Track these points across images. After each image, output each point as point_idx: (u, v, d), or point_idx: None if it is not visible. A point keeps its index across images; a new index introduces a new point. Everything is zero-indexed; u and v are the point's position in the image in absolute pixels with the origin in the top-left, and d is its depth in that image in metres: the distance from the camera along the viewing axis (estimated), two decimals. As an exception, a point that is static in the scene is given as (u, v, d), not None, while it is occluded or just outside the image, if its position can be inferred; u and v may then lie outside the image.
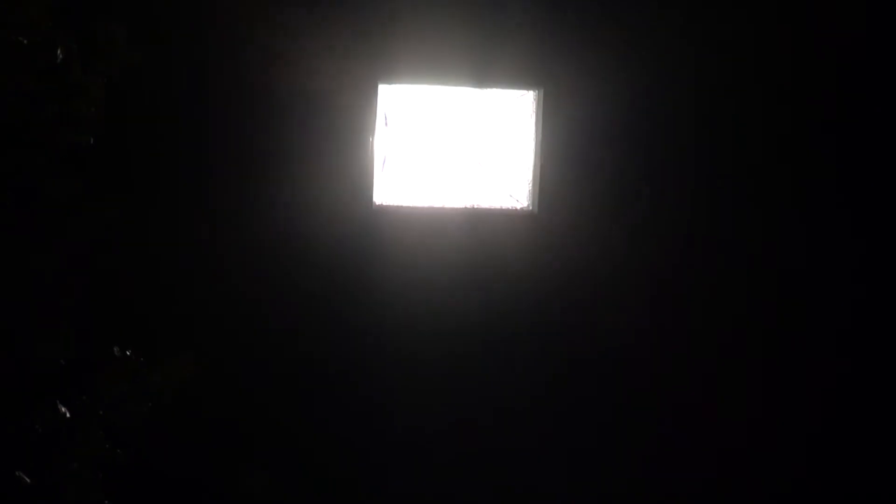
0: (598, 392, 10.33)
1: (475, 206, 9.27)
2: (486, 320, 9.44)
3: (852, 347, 11.13)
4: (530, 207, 9.15)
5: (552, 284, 9.07)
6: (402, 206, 8.81)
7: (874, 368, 11.11)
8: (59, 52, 5.39)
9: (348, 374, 8.80)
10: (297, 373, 8.38)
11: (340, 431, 8.71)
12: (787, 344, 10.94)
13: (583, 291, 9.39)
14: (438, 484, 9.82)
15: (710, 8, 10.05)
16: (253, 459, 5.70)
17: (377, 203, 8.61)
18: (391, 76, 8.46)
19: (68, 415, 5.39)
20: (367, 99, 8.31)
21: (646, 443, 10.52)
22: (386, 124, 8.92)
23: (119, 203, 5.32)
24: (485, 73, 8.59)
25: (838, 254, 10.71)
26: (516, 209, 9.18)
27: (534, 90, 8.88)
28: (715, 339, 10.43)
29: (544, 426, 10.52)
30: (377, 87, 8.41)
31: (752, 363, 10.79)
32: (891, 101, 10.83)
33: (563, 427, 10.50)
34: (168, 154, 7.29)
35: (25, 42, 5.27)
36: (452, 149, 9.35)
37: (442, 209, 9.24)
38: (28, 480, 5.32)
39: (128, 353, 5.43)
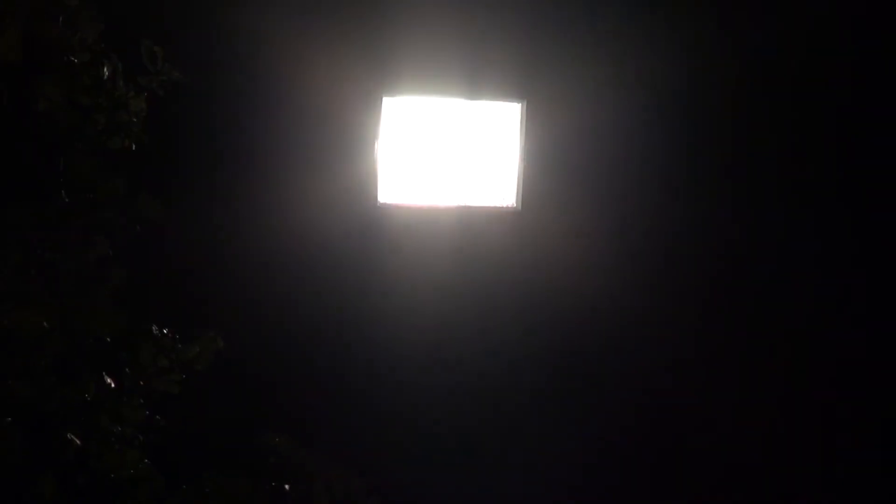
0: (583, 384, 10.91)
1: (467, 205, 10.12)
2: (474, 304, 10.22)
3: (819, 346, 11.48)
4: (515, 206, 10.01)
5: (535, 274, 9.88)
6: (403, 205, 9.70)
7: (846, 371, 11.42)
8: (105, 69, 6.18)
9: (351, 358, 9.59)
10: (305, 356, 9.22)
11: (344, 413, 9.52)
12: (775, 338, 11.31)
13: (564, 280, 10.16)
14: (433, 469, 10.44)
15: (686, 21, 10.72)
16: (271, 424, 6.55)
17: (381, 202, 9.51)
18: (395, 90, 9.42)
19: (113, 385, 6.21)
20: (374, 110, 9.27)
21: (633, 434, 11.02)
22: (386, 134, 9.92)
23: (155, 201, 6.09)
24: (475, 87, 9.51)
25: (818, 249, 11.11)
26: (503, 207, 10.04)
27: (519, 102, 9.77)
28: (700, 331, 10.94)
29: (531, 416, 11.09)
30: (382, 100, 9.39)
31: (740, 356, 11.24)
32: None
33: (550, 417, 11.08)
34: (195, 159, 8.13)
35: (77, 62, 6.06)
36: (447, 153, 10.18)
37: (438, 207, 10.09)
38: (78, 442, 6.12)
39: (164, 331, 6.26)
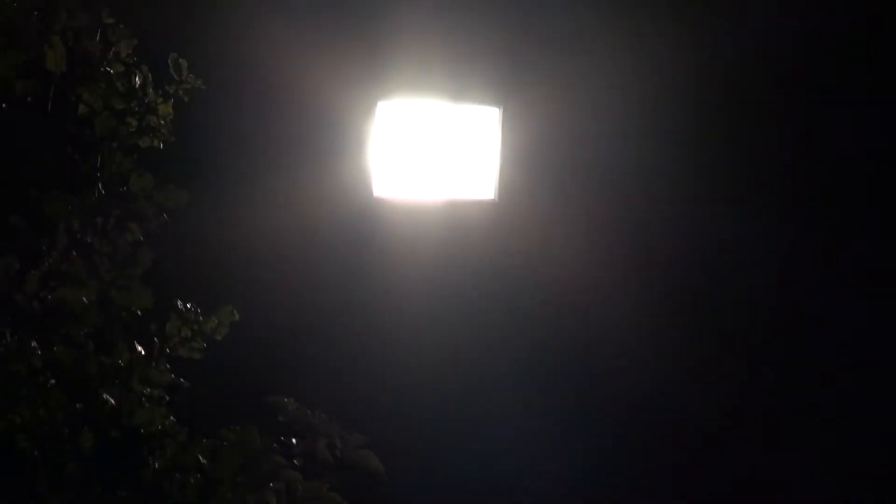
0: (563, 377, 11.48)
1: (452, 199, 10.99)
2: (455, 283, 11.02)
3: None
4: (494, 198, 10.88)
5: (511, 259, 10.70)
6: (396, 199, 10.61)
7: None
8: (137, 79, 7.09)
9: (347, 334, 10.43)
10: (308, 329, 10.09)
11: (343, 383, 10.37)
12: (759, 333, 11.61)
13: (539, 265, 10.87)
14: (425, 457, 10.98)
15: (656, 27, 11.32)
16: (280, 389, 7.43)
17: (377, 195, 10.44)
18: (388, 94, 10.38)
19: (143, 352, 7.09)
20: (368, 113, 10.23)
21: (615, 428, 11.48)
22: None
23: (180, 192, 6.99)
24: (458, 92, 10.42)
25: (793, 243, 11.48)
26: (483, 200, 10.90)
27: (497, 107, 10.66)
28: (681, 320, 11.40)
29: (511, 405, 11.62)
30: (376, 103, 10.36)
31: (721, 349, 11.63)
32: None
33: (529, 407, 11.61)
34: (210, 156, 9.05)
35: (112, 72, 6.97)
36: (435, 151, 11.06)
37: (427, 201, 10.96)
38: (113, 402, 7.00)
39: (188, 305, 7.16)
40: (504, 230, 10.52)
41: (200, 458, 6.87)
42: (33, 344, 6.81)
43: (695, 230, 11.05)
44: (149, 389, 6.94)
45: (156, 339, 6.91)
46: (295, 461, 6.99)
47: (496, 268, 10.73)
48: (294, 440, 7.07)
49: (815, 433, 11.11)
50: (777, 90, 11.27)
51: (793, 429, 11.22)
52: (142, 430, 6.86)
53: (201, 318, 6.89)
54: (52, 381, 6.82)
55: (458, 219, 10.76)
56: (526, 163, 10.65)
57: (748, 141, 11.18)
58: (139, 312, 6.90)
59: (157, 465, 6.84)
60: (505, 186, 10.66)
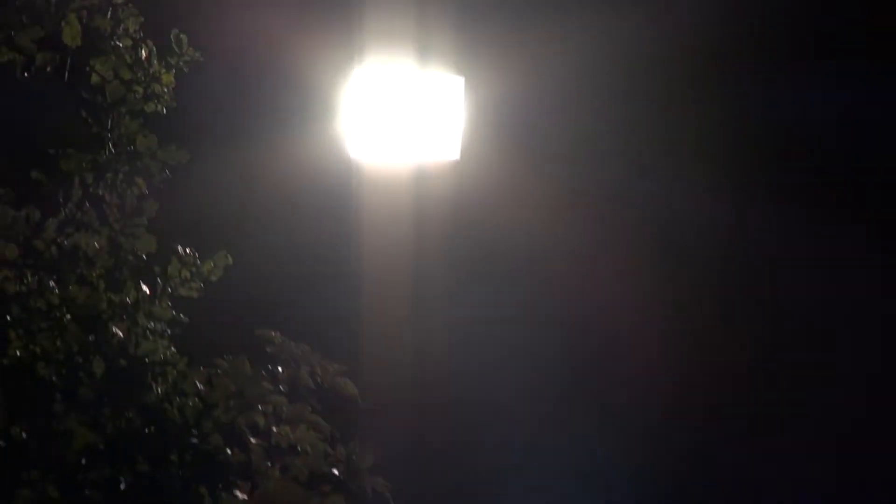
0: (523, 323, 11.93)
1: (421, 160, 11.72)
2: (426, 245, 11.71)
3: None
4: (457, 159, 11.59)
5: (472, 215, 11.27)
6: (368, 160, 11.35)
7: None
8: (143, 51, 7.94)
9: (327, 279, 11.13)
10: (293, 274, 10.84)
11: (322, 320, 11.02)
12: (732, 311, 11.88)
13: (497, 222, 11.38)
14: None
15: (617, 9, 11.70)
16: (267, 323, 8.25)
17: (354, 158, 11.20)
18: (362, 60, 11.10)
19: (148, 291, 7.96)
20: (341, 80, 10.97)
21: (570, 392, 11.85)
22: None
23: (180, 151, 7.86)
24: (426, 62, 11.17)
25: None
26: (448, 160, 11.62)
27: (460, 76, 11.39)
28: (633, 272, 11.79)
29: (478, 349, 12.01)
30: (349, 70, 11.11)
31: (667, 298, 12.01)
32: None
33: (494, 349, 12.01)
34: (202, 120, 9.82)
35: (121, 45, 7.83)
36: (403, 116, 11.74)
37: (399, 162, 11.68)
38: (121, 335, 7.86)
39: (187, 250, 8.04)
40: (466, 188, 11.09)
41: (198, 384, 7.62)
42: (51, 283, 7.60)
43: (645, 191, 11.52)
44: (153, 324, 7.69)
45: (159, 279, 7.66)
46: (280, 387, 7.72)
47: (459, 222, 11.36)
48: (280, 368, 7.92)
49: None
50: (729, 57, 11.67)
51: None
52: (146, 359, 7.59)
53: (199, 262, 7.79)
54: (68, 316, 7.58)
55: (424, 178, 11.33)
56: (487, 127, 11.21)
57: (702, 108, 11.60)
58: (144, 256, 7.68)
59: (159, 390, 7.57)
60: (467, 148, 11.26)
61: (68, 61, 7.61)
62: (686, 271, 11.85)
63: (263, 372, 7.93)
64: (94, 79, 7.65)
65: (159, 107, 7.70)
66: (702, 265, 11.93)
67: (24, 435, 7.58)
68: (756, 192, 11.98)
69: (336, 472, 7.83)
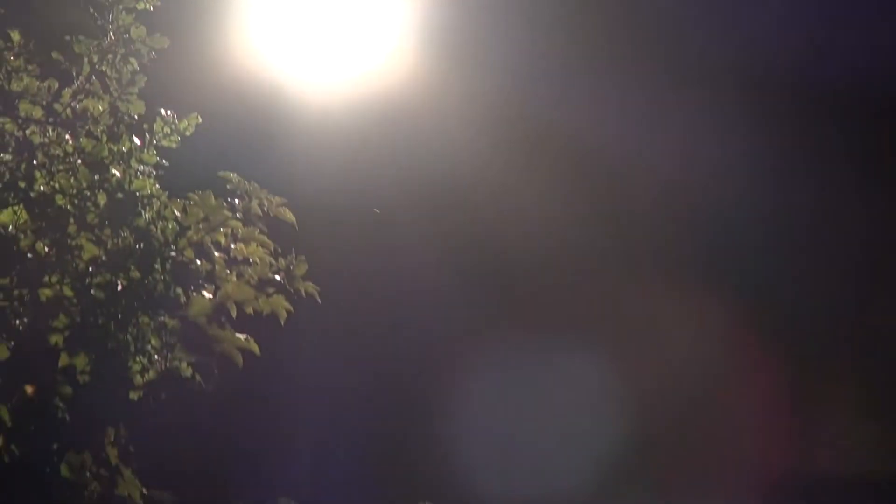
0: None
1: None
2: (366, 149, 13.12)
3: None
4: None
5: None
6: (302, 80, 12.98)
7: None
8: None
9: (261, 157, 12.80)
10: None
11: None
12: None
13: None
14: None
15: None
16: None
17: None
18: None
19: (139, 142, 10.00)
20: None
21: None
22: None
23: (162, 37, 10.05)
24: None
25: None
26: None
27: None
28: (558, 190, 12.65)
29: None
30: None
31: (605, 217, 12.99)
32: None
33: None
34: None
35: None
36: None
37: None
38: (118, 174, 10.00)
39: (168, 112, 10.26)
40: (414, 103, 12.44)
41: (175, 211, 9.54)
42: (66, 136, 9.56)
43: (582, 99, 12.64)
44: (142, 167, 9.57)
45: (147, 134, 9.59)
46: (237, 214, 9.84)
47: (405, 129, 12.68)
48: (236, 201, 10.05)
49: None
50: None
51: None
52: (137, 193, 9.45)
53: (177, 121, 10.02)
54: (79, 161, 9.49)
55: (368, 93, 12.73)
56: (436, 45, 12.57)
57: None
58: (136, 116, 9.60)
59: (147, 216, 9.45)
60: (416, 64, 12.56)
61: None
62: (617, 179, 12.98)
63: (224, 203, 9.92)
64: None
65: (148, 5, 9.89)
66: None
67: (46, 249, 9.54)
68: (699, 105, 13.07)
69: (278, 277, 9.99)
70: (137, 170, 9.65)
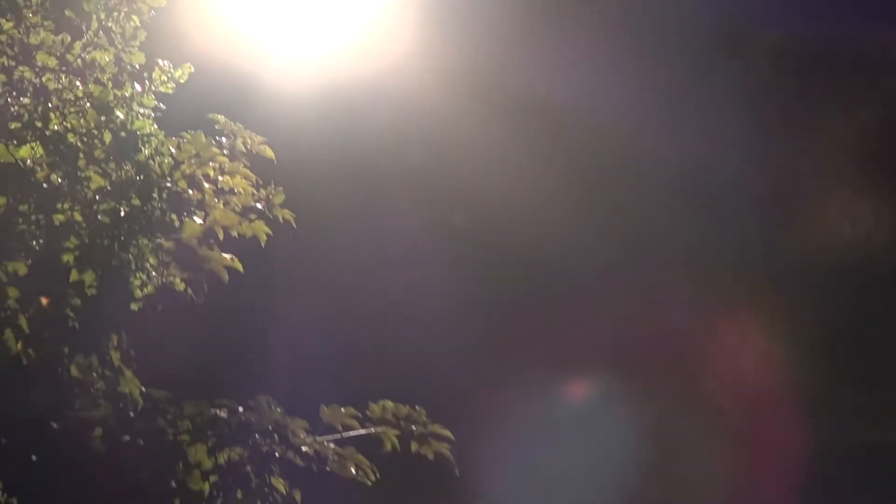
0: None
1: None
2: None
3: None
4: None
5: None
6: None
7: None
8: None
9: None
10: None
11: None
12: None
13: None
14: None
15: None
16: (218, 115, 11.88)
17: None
18: None
19: (140, 88, 11.37)
20: None
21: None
22: None
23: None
24: None
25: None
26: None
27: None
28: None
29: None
30: None
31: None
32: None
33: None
34: None
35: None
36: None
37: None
38: (122, 116, 11.32)
39: (164, 62, 11.73)
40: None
41: (171, 148, 10.54)
42: (77, 83, 10.53)
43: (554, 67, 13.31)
44: (143, 109, 10.52)
45: (147, 80, 10.61)
46: (224, 151, 10.94)
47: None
48: (223, 139, 11.12)
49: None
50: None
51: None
52: (138, 132, 10.38)
53: (173, 70, 11.33)
54: (88, 104, 10.44)
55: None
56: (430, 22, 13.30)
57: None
58: (137, 66, 10.65)
59: (146, 152, 10.39)
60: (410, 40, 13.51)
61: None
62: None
63: (213, 141, 10.98)
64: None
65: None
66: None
67: (59, 180, 10.53)
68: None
69: (259, 206, 11.11)
70: (138, 112, 10.53)
